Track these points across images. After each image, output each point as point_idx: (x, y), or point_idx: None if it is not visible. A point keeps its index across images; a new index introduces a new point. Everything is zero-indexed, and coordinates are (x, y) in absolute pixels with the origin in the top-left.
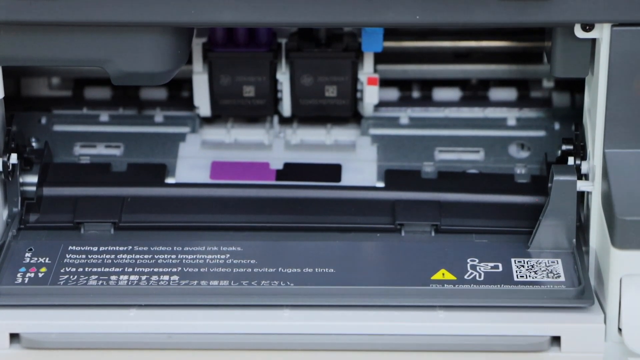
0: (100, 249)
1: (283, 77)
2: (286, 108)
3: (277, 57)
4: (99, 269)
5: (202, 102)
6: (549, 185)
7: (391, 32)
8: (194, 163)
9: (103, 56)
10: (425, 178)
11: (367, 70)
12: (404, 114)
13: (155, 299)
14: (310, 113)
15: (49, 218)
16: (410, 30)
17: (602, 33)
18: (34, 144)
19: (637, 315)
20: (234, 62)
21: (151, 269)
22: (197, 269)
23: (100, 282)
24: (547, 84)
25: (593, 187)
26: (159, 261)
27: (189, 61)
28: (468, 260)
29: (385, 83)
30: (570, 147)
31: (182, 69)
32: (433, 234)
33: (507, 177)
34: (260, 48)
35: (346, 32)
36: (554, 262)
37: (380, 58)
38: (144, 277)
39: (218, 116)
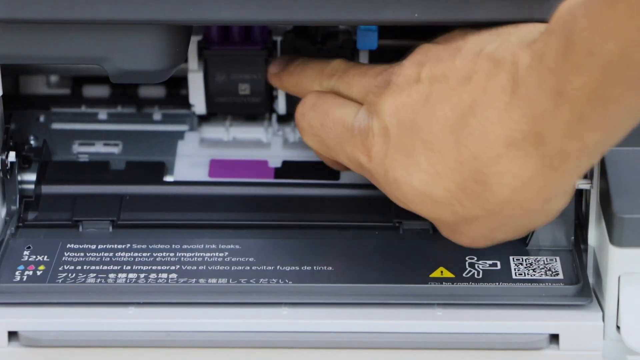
0: (99, 247)
1: None
2: (281, 106)
3: (273, 55)
4: (98, 267)
5: (198, 100)
6: None
7: (387, 30)
8: (192, 161)
9: (101, 54)
10: None
11: None
12: None
13: (153, 297)
14: None
15: (48, 216)
16: (406, 28)
17: None
18: (32, 142)
19: (636, 313)
20: (229, 60)
21: (150, 267)
22: (195, 267)
23: (99, 280)
24: None
25: (592, 185)
26: (157, 259)
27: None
28: (466, 258)
29: None
30: None
31: (180, 67)
32: (432, 231)
33: None
34: (256, 46)
35: (341, 30)
36: (552, 260)
37: (376, 56)
38: (142, 275)
39: (214, 114)
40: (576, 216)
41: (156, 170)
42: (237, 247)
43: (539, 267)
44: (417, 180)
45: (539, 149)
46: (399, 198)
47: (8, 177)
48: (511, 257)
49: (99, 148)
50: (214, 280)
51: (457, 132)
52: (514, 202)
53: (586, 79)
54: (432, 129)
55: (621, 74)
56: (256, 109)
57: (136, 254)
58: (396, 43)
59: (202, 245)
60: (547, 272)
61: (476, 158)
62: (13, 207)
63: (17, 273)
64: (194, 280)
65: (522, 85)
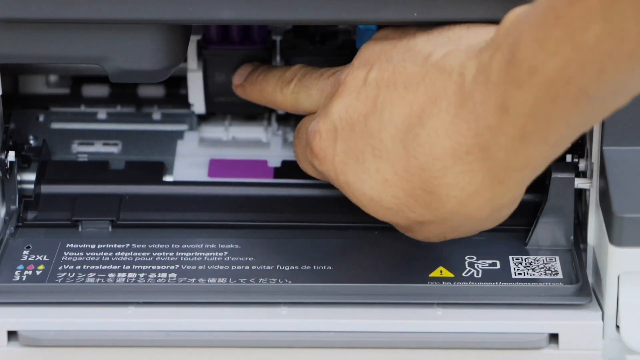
0: (98, 246)
1: None
2: None
3: (272, 55)
4: (97, 267)
5: (197, 100)
6: (547, 182)
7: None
8: (192, 161)
9: (101, 54)
10: None
11: None
12: None
13: (153, 297)
14: None
15: (47, 216)
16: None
17: None
18: (31, 142)
19: (635, 312)
20: (228, 59)
21: (149, 267)
22: (195, 267)
23: (98, 279)
24: None
25: (591, 185)
26: (156, 259)
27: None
28: (466, 258)
29: None
30: None
31: (179, 67)
32: None
33: None
34: (255, 45)
35: (341, 29)
36: (551, 259)
37: None
38: (141, 275)
39: (213, 114)
40: (575, 216)
41: (155, 170)
42: (237, 246)
43: (538, 266)
44: (367, 186)
45: (484, 163)
46: (354, 201)
47: (7, 176)
48: (510, 257)
49: (99, 148)
50: (213, 280)
51: (406, 142)
52: (462, 213)
53: (528, 96)
54: (381, 137)
55: (561, 92)
56: (256, 108)
57: (136, 254)
58: None
59: (202, 245)
60: (547, 272)
61: (424, 169)
62: (12, 207)
63: (16, 273)
64: (194, 280)
65: (469, 98)
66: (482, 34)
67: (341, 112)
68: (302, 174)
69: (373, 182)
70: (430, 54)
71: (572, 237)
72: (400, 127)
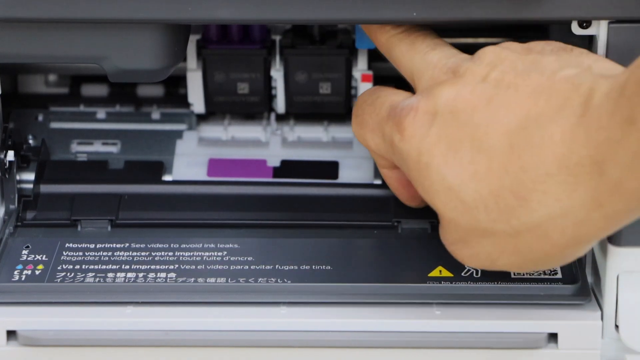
0: (97, 246)
1: (277, 74)
2: (280, 105)
3: (271, 54)
4: (96, 266)
5: (197, 99)
6: None
7: None
8: (191, 160)
9: (100, 53)
10: None
11: (361, 67)
12: None
13: (152, 296)
14: (304, 110)
15: (46, 215)
16: None
17: (599, 30)
18: (31, 141)
19: (634, 312)
20: (228, 59)
21: (148, 266)
22: (194, 266)
23: (97, 279)
24: None
25: None
26: (156, 258)
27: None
28: None
29: (380, 80)
30: None
31: (179, 66)
32: (430, 230)
33: None
34: (255, 45)
35: (340, 29)
36: None
37: (375, 55)
38: (141, 275)
39: (213, 113)
40: None
41: (155, 170)
42: (236, 246)
43: None
44: (451, 173)
45: (592, 178)
46: (424, 186)
47: (7, 176)
48: None
49: (98, 147)
50: (212, 280)
51: (515, 139)
52: (543, 229)
53: None
54: (488, 130)
55: None
56: (255, 108)
57: (135, 253)
58: None
59: (201, 245)
60: (546, 272)
61: (525, 170)
62: (12, 207)
63: (15, 272)
64: (193, 279)
65: (594, 109)
66: (611, 67)
67: (448, 99)
68: (301, 174)
69: (460, 170)
70: (559, 70)
71: None
72: (511, 126)
